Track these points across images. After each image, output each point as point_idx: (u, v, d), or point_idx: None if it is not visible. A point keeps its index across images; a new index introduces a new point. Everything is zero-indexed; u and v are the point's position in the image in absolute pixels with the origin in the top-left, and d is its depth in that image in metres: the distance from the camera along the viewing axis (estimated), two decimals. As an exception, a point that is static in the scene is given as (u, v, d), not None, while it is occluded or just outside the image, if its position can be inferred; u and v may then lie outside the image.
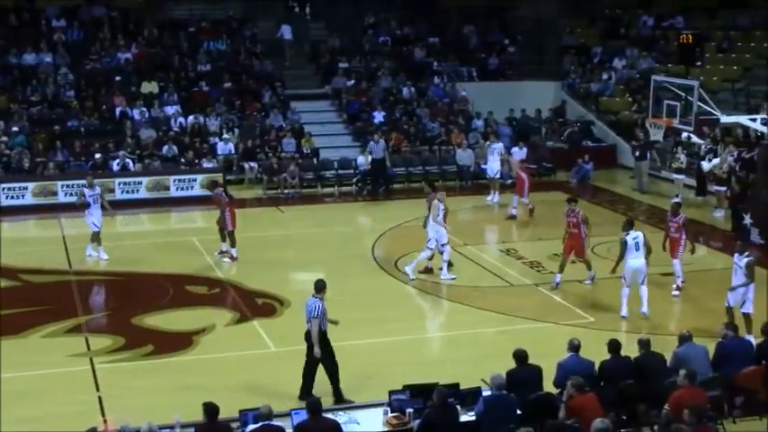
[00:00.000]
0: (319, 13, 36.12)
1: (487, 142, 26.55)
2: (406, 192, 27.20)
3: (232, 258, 19.71)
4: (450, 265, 18.50)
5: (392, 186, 27.22)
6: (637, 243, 15.99)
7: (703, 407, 10.35)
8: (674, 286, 17.48)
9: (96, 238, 19.68)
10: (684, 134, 23.22)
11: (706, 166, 24.80)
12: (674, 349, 12.37)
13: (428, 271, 18.69)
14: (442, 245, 18.33)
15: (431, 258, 18.62)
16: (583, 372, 11.48)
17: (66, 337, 15.54)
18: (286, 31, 33.43)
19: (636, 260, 15.95)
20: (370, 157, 26.82)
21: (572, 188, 26.58)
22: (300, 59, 34.12)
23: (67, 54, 30.87)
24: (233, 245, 19.70)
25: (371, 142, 26.88)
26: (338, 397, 12.70)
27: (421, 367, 13.69)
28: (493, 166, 25.46)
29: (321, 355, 12.69)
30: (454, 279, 18.40)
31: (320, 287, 12.90)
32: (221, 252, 19.95)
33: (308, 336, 12.83)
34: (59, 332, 15.74)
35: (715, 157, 24.73)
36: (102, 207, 19.99)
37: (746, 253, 15.07)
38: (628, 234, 16.10)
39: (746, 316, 14.74)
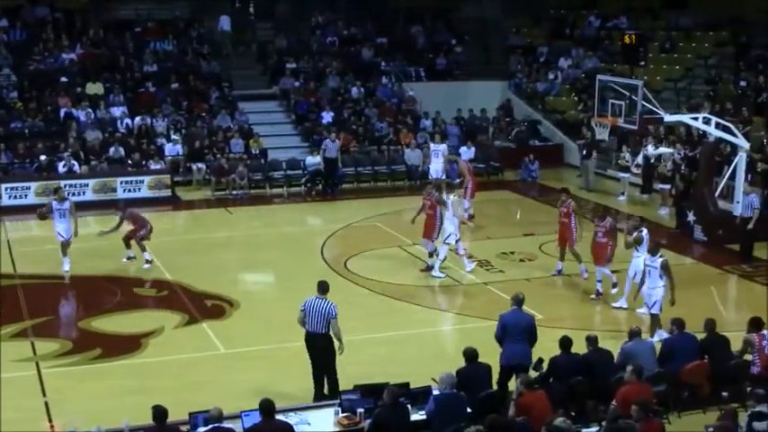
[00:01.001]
0: (266, 13, 35.94)
1: (431, 144, 26.61)
2: (355, 192, 27.23)
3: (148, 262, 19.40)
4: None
5: (341, 186, 27.23)
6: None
7: (650, 402, 10.52)
8: (597, 291, 17.23)
9: (64, 249, 18.94)
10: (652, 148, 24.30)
11: (651, 151, 25.14)
12: (622, 345, 12.57)
13: (429, 269, 18.83)
14: (457, 240, 18.80)
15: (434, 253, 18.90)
16: (520, 324, 12.45)
17: (12, 342, 15.29)
18: (225, 23, 33.28)
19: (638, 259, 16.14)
20: (318, 157, 26.76)
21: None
22: (248, 60, 33.97)
23: (10, 55, 30.39)
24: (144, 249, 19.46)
25: (327, 140, 26.85)
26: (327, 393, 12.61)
27: (371, 367, 13.71)
28: (437, 168, 25.54)
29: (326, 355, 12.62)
30: (442, 277, 18.56)
31: (326, 288, 12.80)
32: (129, 258, 19.52)
33: (316, 339, 12.63)
34: (5, 337, 15.48)
35: (660, 144, 25.19)
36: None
37: (659, 254, 15.21)
38: (641, 231, 16.44)
39: (654, 317, 14.92)
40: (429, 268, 18.91)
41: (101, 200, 25.26)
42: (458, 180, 27.83)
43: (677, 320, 12.96)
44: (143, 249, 19.25)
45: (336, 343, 12.63)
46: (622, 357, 12.26)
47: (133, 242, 19.35)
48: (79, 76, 30.31)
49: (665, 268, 14.91)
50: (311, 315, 12.57)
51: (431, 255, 19.03)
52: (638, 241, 16.21)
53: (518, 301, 12.90)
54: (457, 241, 18.81)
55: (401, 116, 31.29)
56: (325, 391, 12.65)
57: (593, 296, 17.21)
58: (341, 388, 11.54)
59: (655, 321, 14.82)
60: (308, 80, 32.27)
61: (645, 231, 16.50)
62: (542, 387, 11.24)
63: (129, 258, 19.44)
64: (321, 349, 12.65)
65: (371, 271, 19.03)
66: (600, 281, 17.19)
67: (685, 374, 12.27)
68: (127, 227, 19.53)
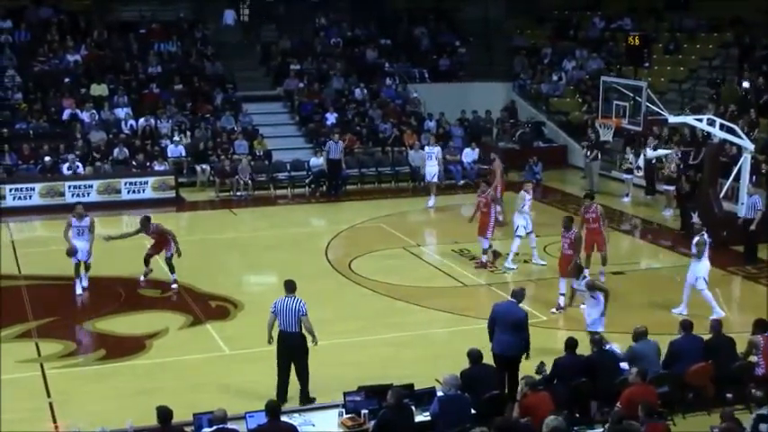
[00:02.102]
0: (270, 15, 35.98)
1: (426, 146, 26.52)
2: (359, 193, 27.22)
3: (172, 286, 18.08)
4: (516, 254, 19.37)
5: (345, 187, 27.23)
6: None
7: (653, 404, 10.51)
8: (558, 305, 16.55)
9: (78, 269, 17.82)
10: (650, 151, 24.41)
11: (650, 153, 25.25)
12: (632, 344, 12.55)
13: (484, 266, 19.22)
14: (528, 233, 19.30)
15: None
16: (508, 317, 12.59)
17: (16, 343, 15.31)
18: (228, 17, 33.30)
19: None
20: (322, 158, 26.75)
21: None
22: (252, 61, 33.99)
23: (14, 56, 30.44)
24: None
25: (331, 142, 26.84)
26: (305, 398, 12.67)
27: (375, 368, 13.72)
28: (431, 170, 25.46)
29: (297, 356, 12.70)
30: (514, 270, 19.07)
31: (293, 288, 12.88)
32: (147, 275, 18.26)
33: (285, 337, 12.69)
34: (8, 338, 15.51)
35: (660, 146, 25.22)
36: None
37: (583, 275, 15.04)
38: (702, 235, 16.27)
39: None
40: (482, 265, 19.25)
41: (105, 201, 25.34)
42: (462, 182, 28.02)
43: (684, 322, 12.93)
44: (172, 270, 17.92)
45: (310, 338, 12.76)
46: (631, 356, 12.26)
47: (154, 258, 18.17)
48: (83, 78, 30.35)
49: (593, 288, 14.43)
50: (283, 315, 12.66)
51: (485, 252, 19.39)
52: (703, 245, 16.08)
53: (515, 294, 13.10)
54: (528, 233, 19.33)
55: (405, 117, 31.29)
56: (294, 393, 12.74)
57: (554, 309, 16.46)
58: (345, 389, 11.52)
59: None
60: (312, 81, 32.30)
61: (706, 235, 16.30)
62: (546, 388, 11.23)
63: (146, 276, 18.22)
64: (296, 348, 12.73)
65: (375, 272, 19.04)
66: (563, 294, 16.50)
67: (690, 376, 12.27)
68: (148, 241, 18.29)
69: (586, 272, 17.68)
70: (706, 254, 16.23)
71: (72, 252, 17.66)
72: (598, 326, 13.99)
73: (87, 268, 17.99)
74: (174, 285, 17.93)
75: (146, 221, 18.06)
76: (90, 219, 17.87)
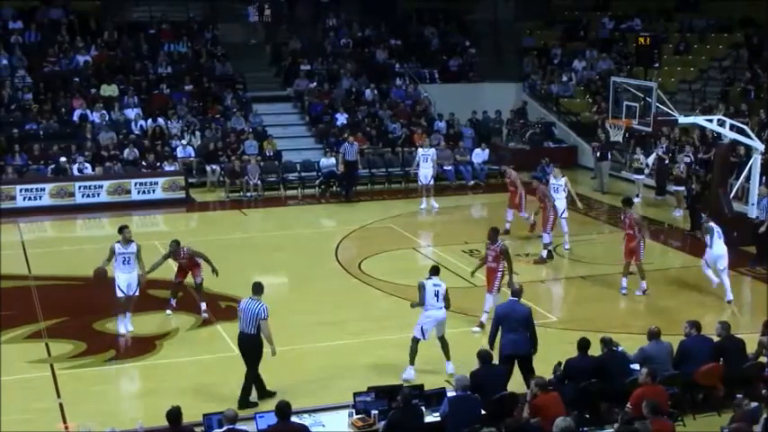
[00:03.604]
0: (280, 15, 36.00)
1: (420, 149, 26.40)
2: (369, 194, 27.22)
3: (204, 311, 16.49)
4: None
5: (356, 188, 27.22)
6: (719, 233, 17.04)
7: (659, 403, 10.46)
8: (480, 322, 15.66)
9: (123, 306, 15.60)
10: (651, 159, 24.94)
11: (650, 160, 25.72)
12: (643, 345, 12.52)
13: (543, 261, 19.82)
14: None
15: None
16: (514, 315, 12.73)
17: (26, 344, 15.36)
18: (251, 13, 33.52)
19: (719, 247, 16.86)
20: (340, 158, 26.51)
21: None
22: (262, 62, 34.03)
23: (24, 56, 30.53)
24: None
25: (345, 144, 26.78)
26: (244, 399, 12.59)
27: (385, 369, 13.72)
28: (426, 173, 25.41)
29: (253, 357, 12.66)
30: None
31: (260, 290, 12.92)
32: (173, 305, 16.66)
33: (244, 339, 12.71)
34: (19, 338, 15.56)
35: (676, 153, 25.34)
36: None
37: None
38: (707, 222, 17.16)
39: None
40: (542, 260, 19.70)
41: (115, 201, 25.40)
42: (472, 182, 28.00)
43: (694, 322, 12.88)
44: (202, 297, 16.43)
45: (269, 347, 12.65)
46: (642, 357, 12.24)
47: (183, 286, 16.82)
48: (93, 78, 30.41)
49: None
50: (244, 315, 12.69)
51: (545, 247, 19.85)
52: (707, 232, 16.82)
53: (515, 292, 13.27)
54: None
55: (415, 118, 31.28)
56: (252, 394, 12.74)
57: (476, 327, 15.62)
58: (355, 390, 11.52)
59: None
60: (322, 82, 32.32)
61: (712, 223, 17.03)
62: (556, 389, 11.22)
63: (173, 310, 16.56)
64: (249, 350, 12.72)
65: (385, 273, 19.04)
66: (487, 312, 15.53)
67: (700, 376, 12.24)
68: (178, 267, 16.54)
69: (643, 284, 17.70)
70: (717, 240, 16.64)
71: (101, 275, 15.55)
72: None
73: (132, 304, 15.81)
74: (205, 314, 16.35)
75: (175, 245, 16.24)
76: (136, 244, 15.64)
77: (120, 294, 15.43)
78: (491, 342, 12.86)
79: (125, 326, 15.58)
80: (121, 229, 15.64)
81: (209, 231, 23.25)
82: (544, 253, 19.80)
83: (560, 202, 20.39)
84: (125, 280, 15.39)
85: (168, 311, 16.48)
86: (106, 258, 15.53)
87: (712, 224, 17.01)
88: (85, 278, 18.85)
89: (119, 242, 15.45)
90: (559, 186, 20.63)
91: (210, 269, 16.28)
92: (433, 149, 26.25)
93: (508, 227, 21.90)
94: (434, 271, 14.04)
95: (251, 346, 12.71)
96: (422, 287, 13.69)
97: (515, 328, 12.66)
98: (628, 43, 32.96)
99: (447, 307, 13.74)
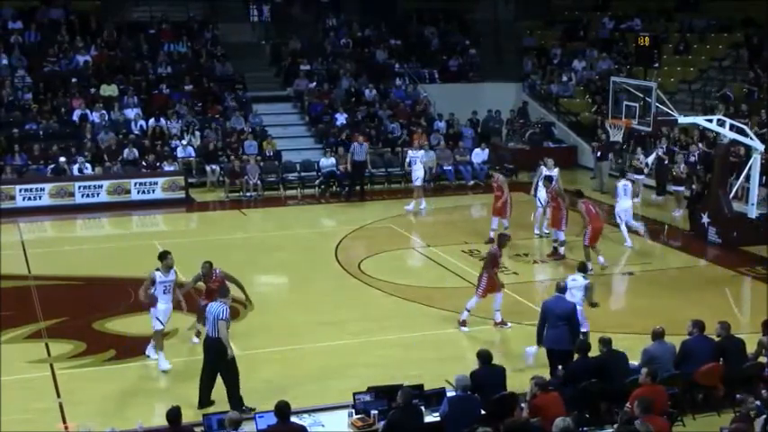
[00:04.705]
0: (280, 16, 36.01)
1: (410, 150, 26.30)
2: (369, 193, 27.21)
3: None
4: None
5: (356, 188, 27.21)
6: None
7: (651, 401, 10.43)
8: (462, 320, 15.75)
9: (158, 337, 14.21)
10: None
11: (650, 159, 25.80)
12: (646, 346, 12.52)
13: (562, 257, 19.89)
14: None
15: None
16: (556, 311, 13.07)
17: (26, 344, 15.35)
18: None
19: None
20: (349, 158, 26.49)
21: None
22: (261, 62, 34.03)
23: (24, 56, 30.53)
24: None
25: (354, 144, 26.73)
26: (236, 403, 12.29)
27: (385, 369, 13.73)
28: (418, 174, 25.35)
29: (223, 361, 12.45)
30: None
31: (226, 293, 12.87)
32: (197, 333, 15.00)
33: (209, 343, 12.55)
34: (19, 338, 15.56)
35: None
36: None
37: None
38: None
39: (586, 335, 14.78)
40: (560, 257, 19.81)
41: (115, 201, 25.39)
42: (472, 182, 28.00)
43: (698, 322, 12.85)
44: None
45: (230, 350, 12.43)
46: (646, 358, 12.23)
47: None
48: (93, 78, 30.41)
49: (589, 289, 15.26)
50: (209, 318, 12.61)
51: (562, 244, 19.94)
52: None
53: (559, 288, 13.66)
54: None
55: (415, 118, 31.28)
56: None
57: (464, 328, 15.73)
58: (355, 390, 11.52)
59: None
60: (322, 82, 32.32)
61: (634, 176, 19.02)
62: (556, 389, 11.21)
63: (198, 335, 14.83)
64: (214, 353, 12.50)
65: (385, 273, 19.03)
66: (468, 310, 15.73)
67: (700, 376, 12.24)
68: (206, 290, 14.67)
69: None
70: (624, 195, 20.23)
71: (153, 303, 14.07)
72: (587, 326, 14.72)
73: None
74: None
75: (208, 267, 14.62)
76: (176, 273, 14.36)
77: (158, 327, 14.03)
78: (539, 334, 13.28)
79: (166, 362, 14.11)
80: (164, 256, 14.17)
81: (209, 231, 23.25)
82: (561, 249, 19.90)
83: (542, 192, 21.23)
84: (164, 311, 14.05)
85: (195, 339, 14.93)
86: (145, 287, 14.02)
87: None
88: (86, 278, 18.97)
89: (158, 269, 14.01)
90: (552, 176, 20.97)
91: (243, 296, 14.82)
92: (423, 151, 26.12)
93: (492, 235, 20.94)
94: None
95: (212, 349, 12.49)
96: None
97: (556, 324, 13.08)
98: (628, 43, 32.95)
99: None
